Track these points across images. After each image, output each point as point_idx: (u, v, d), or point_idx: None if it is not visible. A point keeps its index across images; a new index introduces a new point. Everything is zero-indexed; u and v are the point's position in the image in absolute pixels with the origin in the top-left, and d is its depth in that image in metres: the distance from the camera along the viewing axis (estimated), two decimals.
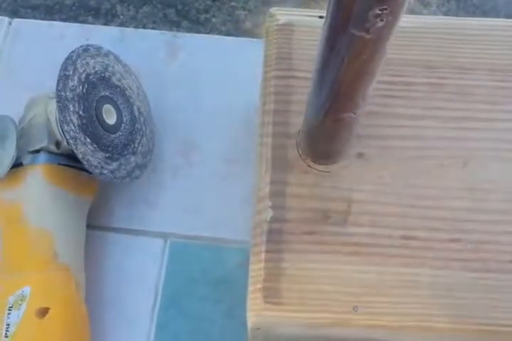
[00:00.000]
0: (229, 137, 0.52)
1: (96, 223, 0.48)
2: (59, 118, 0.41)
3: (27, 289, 0.40)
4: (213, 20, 1.00)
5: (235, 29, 0.99)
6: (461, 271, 0.34)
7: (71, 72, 0.42)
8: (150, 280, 0.47)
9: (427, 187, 0.36)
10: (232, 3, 1.01)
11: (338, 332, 0.33)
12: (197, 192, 0.50)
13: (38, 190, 0.43)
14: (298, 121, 0.36)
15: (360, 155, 0.37)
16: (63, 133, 0.41)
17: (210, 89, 0.54)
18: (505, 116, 0.37)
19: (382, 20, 0.23)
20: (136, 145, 0.47)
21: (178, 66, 0.55)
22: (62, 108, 0.40)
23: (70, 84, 0.42)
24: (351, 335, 0.34)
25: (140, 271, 0.48)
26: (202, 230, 0.49)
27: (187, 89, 0.54)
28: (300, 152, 0.36)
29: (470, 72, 0.38)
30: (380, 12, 0.23)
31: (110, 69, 0.46)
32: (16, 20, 0.58)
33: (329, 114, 0.32)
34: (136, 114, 0.48)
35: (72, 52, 0.43)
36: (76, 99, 0.42)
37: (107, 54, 0.47)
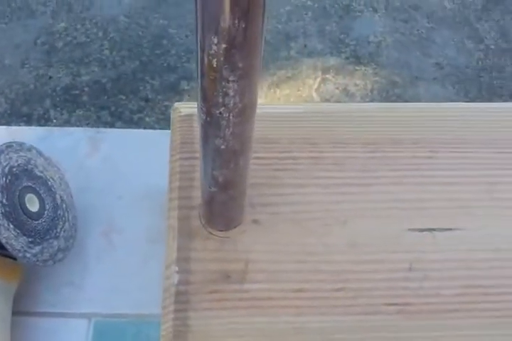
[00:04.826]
0: (148, 220, 0.56)
1: (21, 308, 0.50)
2: None
3: None
4: (147, 119, 1.03)
5: (170, 127, 1.04)
6: (344, 316, 0.38)
7: None
8: None
9: (315, 244, 0.41)
10: (166, 103, 1.05)
11: None
12: (120, 273, 0.53)
13: None
14: (200, 195, 0.41)
15: (255, 221, 0.42)
16: None
17: (130, 178, 0.59)
18: (376, 181, 0.43)
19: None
20: (59, 230, 0.51)
21: (101, 158, 0.60)
22: None
23: None
24: None
25: None
26: (126, 308, 0.52)
27: (109, 179, 0.59)
28: (202, 221, 0.41)
29: (345, 145, 0.45)
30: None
31: (32, 162, 0.51)
32: None
33: (216, 193, 0.37)
34: (59, 201, 0.52)
35: None
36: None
37: (30, 149, 0.51)
